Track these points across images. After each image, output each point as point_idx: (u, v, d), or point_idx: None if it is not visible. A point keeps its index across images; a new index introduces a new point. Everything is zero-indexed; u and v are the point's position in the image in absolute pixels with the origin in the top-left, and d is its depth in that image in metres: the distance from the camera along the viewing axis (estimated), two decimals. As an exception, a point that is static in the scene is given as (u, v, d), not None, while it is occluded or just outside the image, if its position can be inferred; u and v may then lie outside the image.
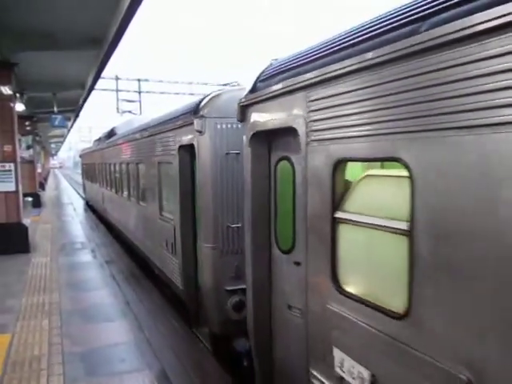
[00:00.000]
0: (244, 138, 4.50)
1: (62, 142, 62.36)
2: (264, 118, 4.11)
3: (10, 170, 11.58)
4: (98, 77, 14.36)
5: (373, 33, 2.85)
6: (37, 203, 22.98)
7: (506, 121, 1.93)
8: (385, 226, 2.74)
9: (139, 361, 5.24)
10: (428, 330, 2.39)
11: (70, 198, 32.25)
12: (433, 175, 2.33)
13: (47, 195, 31.03)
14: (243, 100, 4.45)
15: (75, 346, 5.73)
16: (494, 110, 1.99)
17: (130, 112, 31.19)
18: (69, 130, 39.40)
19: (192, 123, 5.93)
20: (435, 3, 2.41)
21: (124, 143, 12.25)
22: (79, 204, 27.08)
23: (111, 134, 16.47)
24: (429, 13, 2.40)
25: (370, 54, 2.72)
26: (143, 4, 8.14)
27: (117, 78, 30.21)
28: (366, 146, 2.82)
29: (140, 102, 31.11)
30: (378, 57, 2.66)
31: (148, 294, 8.03)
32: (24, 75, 12.72)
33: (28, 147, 21.88)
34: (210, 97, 5.92)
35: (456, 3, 2.25)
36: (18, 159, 12.08)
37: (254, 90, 4.32)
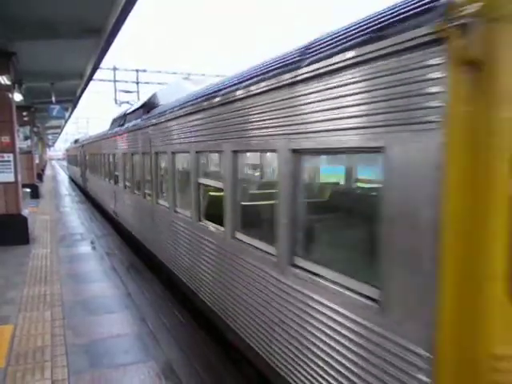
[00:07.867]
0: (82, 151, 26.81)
1: (59, 134, 62.04)
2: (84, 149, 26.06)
3: (8, 161, 11.48)
4: (96, 67, 14.21)
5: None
6: (35, 194, 22.89)
7: None
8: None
9: (143, 353, 5.23)
10: None
11: (67, 189, 32.15)
12: None
13: (45, 186, 30.91)
14: (81, 144, 27.95)
15: (78, 337, 5.72)
16: None
17: (127, 103, 30.96)
18: (66, 121, 39.15)
19: (79, 146, 29.99)
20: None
21: (77, 147, 31.46)
22: (77, 195, 27.02)
23: (76, 141, 35.25)
24: None
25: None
26: (144, -6, 8.02)
27: (114, 69, 29.98)
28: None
29: (138, 92, 30.94)
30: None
31: (150, 286, 8.03)
32: (22, 65, 12.56)
33: (26, 138, 21.73)
34: (84, 138, 29.46)
35: None
36: (17, 150, 11.98)
37: (77, 141, 32.31)
